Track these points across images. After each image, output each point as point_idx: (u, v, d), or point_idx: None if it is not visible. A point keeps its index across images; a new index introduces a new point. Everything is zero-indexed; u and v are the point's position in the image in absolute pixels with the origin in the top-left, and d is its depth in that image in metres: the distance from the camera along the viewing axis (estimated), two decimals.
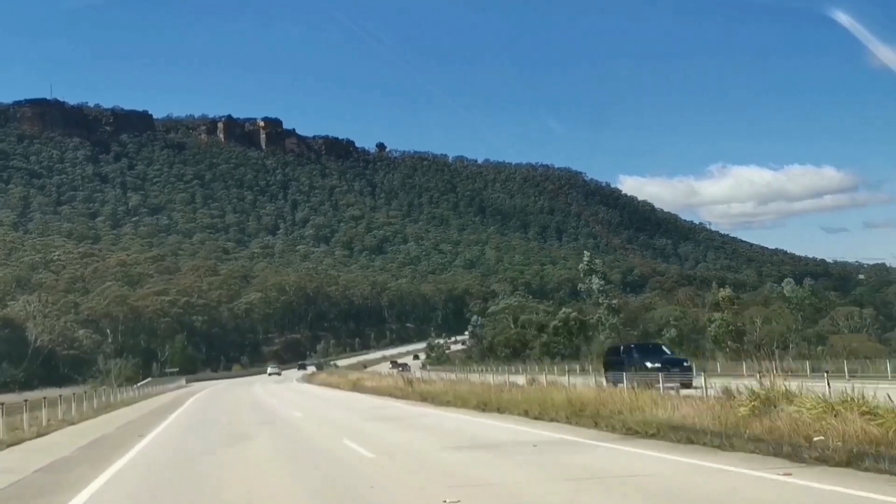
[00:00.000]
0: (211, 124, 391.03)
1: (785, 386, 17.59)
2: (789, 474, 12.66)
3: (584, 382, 33.57)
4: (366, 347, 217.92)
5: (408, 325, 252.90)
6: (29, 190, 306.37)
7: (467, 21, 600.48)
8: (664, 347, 45.69)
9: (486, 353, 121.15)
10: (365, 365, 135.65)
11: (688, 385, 28.74)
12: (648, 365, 36.05)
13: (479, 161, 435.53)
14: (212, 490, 13.77)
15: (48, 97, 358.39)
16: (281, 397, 53.58)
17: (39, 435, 26.78)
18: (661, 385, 25.39)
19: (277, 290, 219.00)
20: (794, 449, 14.48)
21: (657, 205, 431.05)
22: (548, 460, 15.95)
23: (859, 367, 48.95)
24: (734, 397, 19.26)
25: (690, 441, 17.31)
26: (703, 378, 25.33)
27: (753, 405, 17.40)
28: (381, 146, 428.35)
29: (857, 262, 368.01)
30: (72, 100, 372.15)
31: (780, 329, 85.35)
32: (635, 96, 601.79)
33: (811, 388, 17.53)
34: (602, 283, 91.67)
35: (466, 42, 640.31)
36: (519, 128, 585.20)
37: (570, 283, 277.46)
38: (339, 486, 13.47)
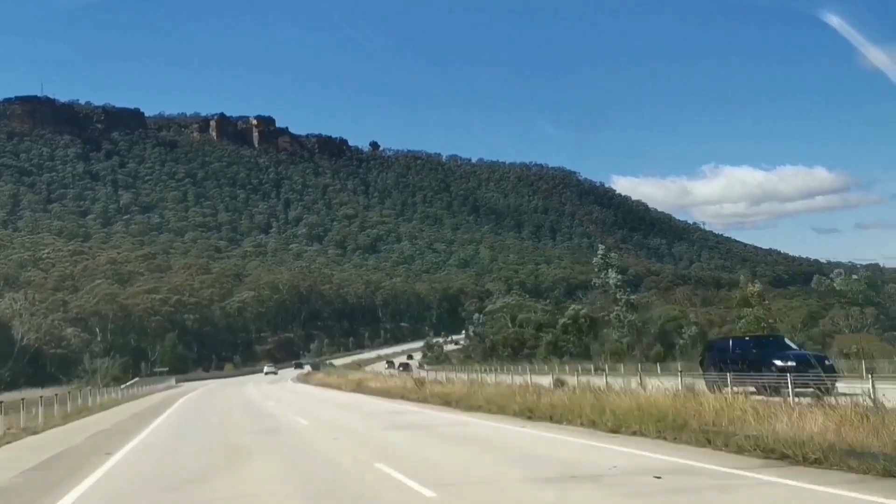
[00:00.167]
0: (203, 122, 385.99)
1: None
2: None
3: (624, 384, 28.15)
4: (360, 347, 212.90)
5: (402, 324, 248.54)
6: (19, 188, 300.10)
7: (461, 20, 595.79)
8: (788, 341, 35.06)
9: (489, 352, 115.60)
10: (360, 364, 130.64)
11: (827, 391, 20.22)
12: (778, 363, 27.27)
13: (473, 160, 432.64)
14: None
15: (39, 94, 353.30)
16: (279, 399, 47.91)
17: None
18: (789, 391, 19.63)
19: (270, 288, 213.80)
20: None
21: (651, 205, 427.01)
22: None
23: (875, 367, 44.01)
24: None
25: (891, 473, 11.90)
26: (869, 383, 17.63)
27: None
28: (374, 145, 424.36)
29: (850, 262, 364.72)
30: (63, 97, 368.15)
31: (783, 328, 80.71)
32: (628, 97, 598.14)
33: None
34: (619, 277, 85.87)
35: (460, 41, 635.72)
36: (512, 127, 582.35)
37: (565, 283, 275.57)
38: None
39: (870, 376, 20.47)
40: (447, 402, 34.26)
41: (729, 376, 23.17)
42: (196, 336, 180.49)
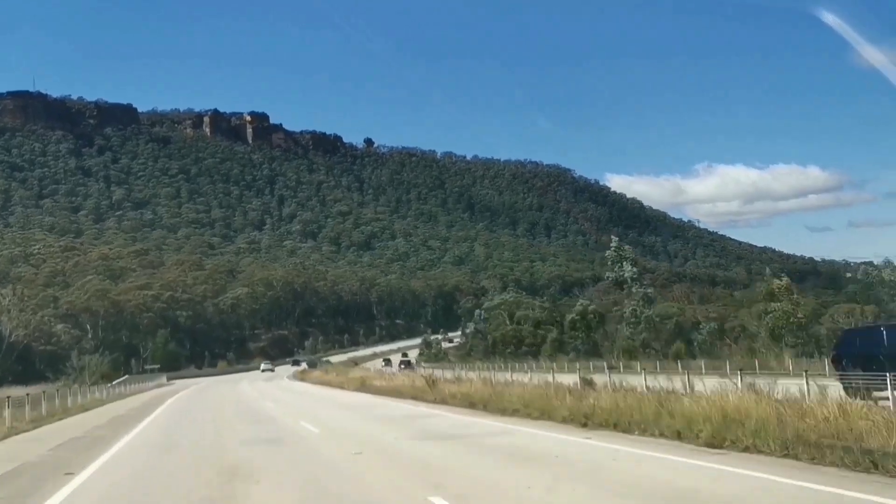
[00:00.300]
0: (197, 118, 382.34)
1: None
2: None
3: (665, 385, 23.82)
4: (355, 344, 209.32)
5: (397, 321, 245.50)
6: (10, 183, 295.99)
7: (456, 17, 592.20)
8: None
9: (491, 349, 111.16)
10: (356, 362, 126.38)
11: None
12: None
13: (468, 157, 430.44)
14: None
15: (31, 89, 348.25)
16: (278, 399, 43.26)
17: None
18: None
19: (264, 285, 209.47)
20: None
21: (645, 203, 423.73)
22: None
23: None
24: None
25: None
26: None
27: None
28: (368, 141, 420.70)
29: (844, 260, 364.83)
30: (55, 92, 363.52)
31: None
32: (622, 95, 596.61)
33: None
34: (634, 270, 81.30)
35: (455, 38, 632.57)
36: (507, 124, 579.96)
37: (561, 280, 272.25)
38: None
39: None
40: (471, 403, 29.81)
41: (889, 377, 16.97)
42: (189, 333, 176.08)
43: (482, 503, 10.68)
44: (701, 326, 74.80)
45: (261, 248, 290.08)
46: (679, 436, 16.98)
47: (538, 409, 24.36)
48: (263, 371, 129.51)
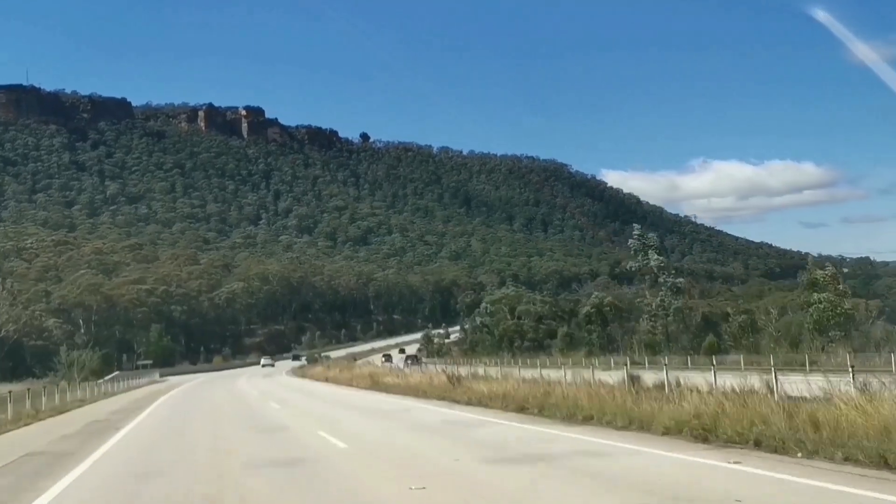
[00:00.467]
0: (191, 112, 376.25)
1: None
2: None
3: (742, 384, 18.78)
4: (352, 339, 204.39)
5: (395, 316, 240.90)
6: (3, 178, 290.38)
7: (452, 12, 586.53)
8: None
9: (498, 344, 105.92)
10: (355, 357, 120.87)
11: None
12: None
13: (464, 152, 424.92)
14: None
15: (24, 83, 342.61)
16: (284, 400, 37.36)
17: None
18: None
19: (260, 279, 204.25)
20: None
21: (642, 198, 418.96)
22: None
23: None
24: None
25: None
26: None
27: None
28: (364, 136, 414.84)
29: (840, 255, 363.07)
30: (48, 86, 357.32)
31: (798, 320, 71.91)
32: (617, 90, 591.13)
33: None
34: (661, 259, 75.53)
35: (451, 33, 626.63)
36: (503, 119, 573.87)
37: (559, 275, 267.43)
38: None
39: None
40: (521, 407, 24.38)
41: None
42: (183, 328, 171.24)
43: None
44: (730, 319, 69.52)
45: (256, 242, 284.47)
46: (885, 462, 11.57)
47: (622, 416, 18.89)
48: (263, 366, 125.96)
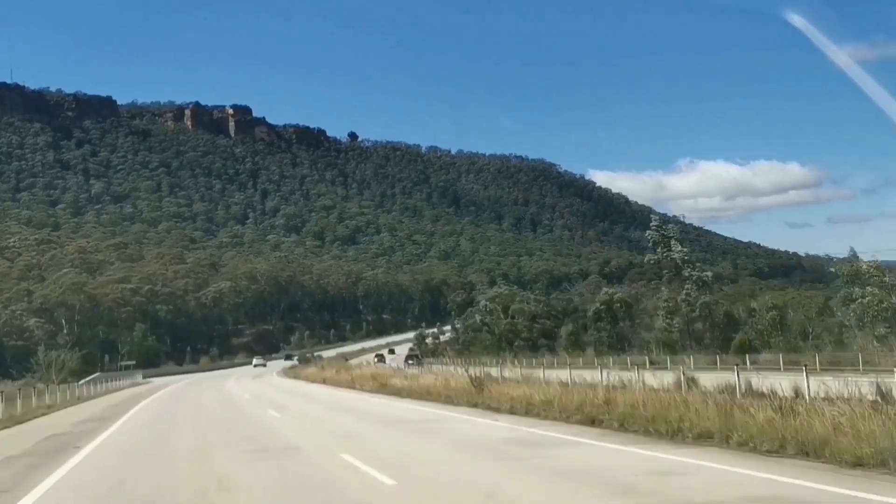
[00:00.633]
0: (178, 111, 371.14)
1: None
2: None
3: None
4: (342, 339, 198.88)
5: (384, 316, 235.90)
6: None
7: (441, 13, 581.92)
8: None
9: (498, 343, 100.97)
10: (346, 357, 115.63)
11: None
12: None
13: (453, 152, 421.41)
14: None
15: (7, 81, 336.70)
16: (283, 407, 31.39)
17: None
18: None
19: (248, 278, 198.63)
20: None
21: (630, 198, 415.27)
22: None
23: None
24: None
25: None
26: None
27: None
28: (352, 135, 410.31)
29: (826, 255, 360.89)
30: (33, 84, 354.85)
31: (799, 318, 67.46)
32: (603, 91, 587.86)
33: None
34: (685, 250, 70.31)
35: (439, 33, 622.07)
36: (492, 119, 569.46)
37: (549, 275, 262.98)
38: None
39: None
40: (592, 419, 19.29)
41: None
42: (169, 328, 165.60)
43: None
44: (754, 314, 64.56)
45: (244, 242, 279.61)
46: None
47: (768, 437, 13.75)
48: (255, 366, 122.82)
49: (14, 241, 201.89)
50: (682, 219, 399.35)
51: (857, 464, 11.41)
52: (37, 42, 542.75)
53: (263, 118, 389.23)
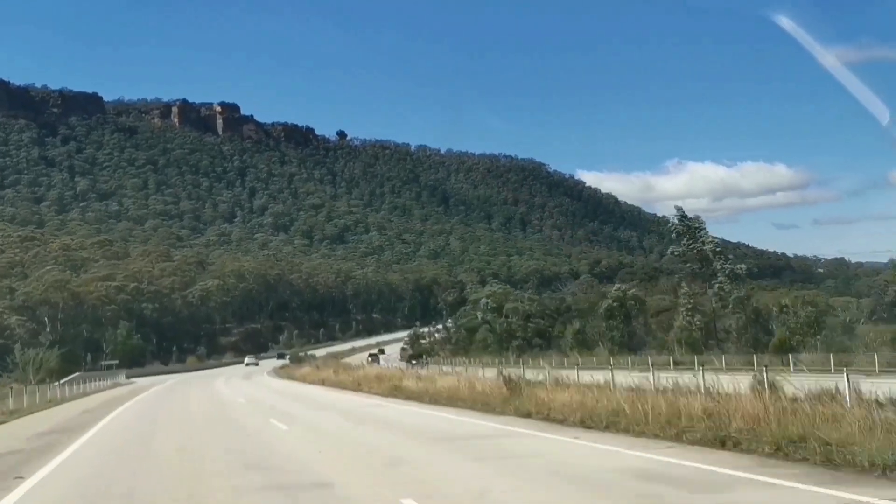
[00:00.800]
0: (165, 108, 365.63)
1: None
2: None
3: None
4: (331, 339, 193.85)
5: (374, 315, 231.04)
6: None
7: (430, 10, 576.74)
8: None
9: (499, 342, 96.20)
10: (337, 357, 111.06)
11: None
12: None
13: (442, 151, 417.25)
14: None
15: None
16: (287, 416, 25.17)
17: None
18: None
19: (236, 276, 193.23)
20: None
21: (620, 198, 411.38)
22: None
23: None
24: None
25: None
26: None
27: None
28: (341, 134, 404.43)
29: (814, 256, 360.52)
30: (17, 80, 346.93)
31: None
32: (591, 91, 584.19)
33: None
34: (715, 241, 64.84)
35: (429, 31, 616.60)
36: (481, 118, 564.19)
37: (539, 274, 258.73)
38: None
39: None
40: (718, 439, 14.31)
41: None
42: (155, 327, 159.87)
43: None
44: (786, 311, 59.51)
45: (231, 240, 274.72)
46: None
47: None
48: (248, 365, 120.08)
49: None
50: (672, 219, 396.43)
51: None
52: (22, 37, 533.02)
53: (251, 116, 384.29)
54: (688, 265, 66.96)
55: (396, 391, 34.32)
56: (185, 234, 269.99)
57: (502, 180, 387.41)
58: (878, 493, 9.18)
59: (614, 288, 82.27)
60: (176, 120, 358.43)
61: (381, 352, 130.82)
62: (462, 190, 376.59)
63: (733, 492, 9.82)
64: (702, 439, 14.42)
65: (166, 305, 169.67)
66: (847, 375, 18.10)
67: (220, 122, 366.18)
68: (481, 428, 19.09)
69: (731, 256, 62.78)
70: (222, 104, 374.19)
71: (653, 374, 24.93)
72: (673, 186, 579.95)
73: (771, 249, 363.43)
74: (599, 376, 26.80)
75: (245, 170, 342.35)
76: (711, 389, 20.36)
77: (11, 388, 44.05)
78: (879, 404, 15.37)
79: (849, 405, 15.71)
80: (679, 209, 66.17)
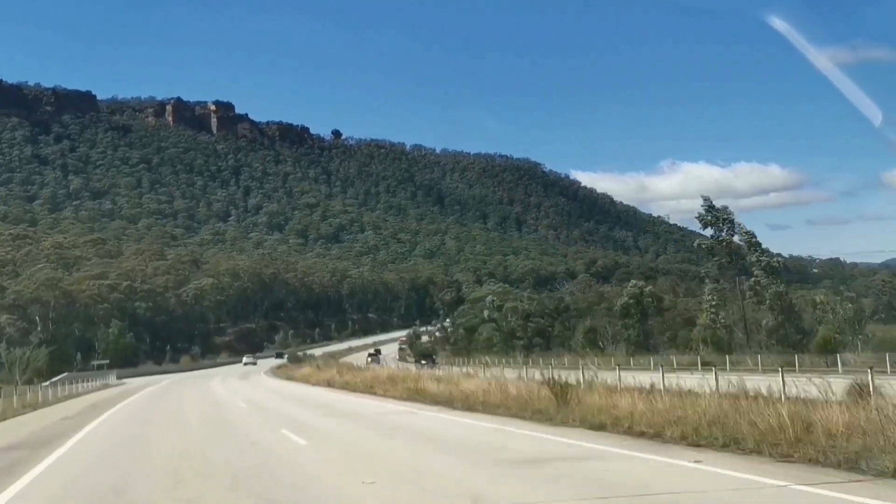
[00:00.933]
0: (159, 107, 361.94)
1: None
2: None
3: None
4: (327, 338, 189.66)
5: (369, 315, 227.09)
6: None
7: (425, 9, 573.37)
8: None
9: (505, 341, 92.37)
10: (334, 357, 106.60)
11: None
12: None
13: (437, 150, 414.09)
14: None
15: None
16: (304, 428, 19.87)
17: None
18: None
19: (230, 275, 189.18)
20: None
21: (615, 198, 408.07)
22: None
23: None
24: None
25: None
26: None
27: None
28: (336, 133, 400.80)
29: (809, 256, 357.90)
30: (10, 78, 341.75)
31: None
32: (585, 91, 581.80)
33: None
34: (751, 232, 60.34)
35: (425, 30, 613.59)
36: (476, 118, 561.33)
37: (535, 274, 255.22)
38: None
39: None
40: (847, 458, 10.40)
41: None
42: (148, 326, 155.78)
43: None
44: (821, 309, 55.45)
45: (226, 239, 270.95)
46: None
47: None
48: (246, 364, 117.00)
49: None
50: (666, 219, 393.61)
51: None
52: (15, 35, 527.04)
53: (246, 115, 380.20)
54: (715, 258, 62.71)
55: (418, 395, 30.19)
56: (179, 233, 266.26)
57: (498, 180, 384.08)
58: None
59: (630, 284, 78.12)
60: (170, 118, 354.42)
61: (378, 352, 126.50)
62: (457, 189, 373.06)
63: None
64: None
65: (160, 304, 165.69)
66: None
67: (214, 120, 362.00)
68: (554, 445, 15.06)
69: (766, 248, 58.07)
70: (217, 103, 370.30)
71: (716, 377, 21.02)
72: (667, 187, 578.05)
73: (766, 249, 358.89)
74: (640, 379, 22.81)
75: (239, 169, 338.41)
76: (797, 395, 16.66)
77: None
78: None
79: None
80: (706, 199, 61.46)
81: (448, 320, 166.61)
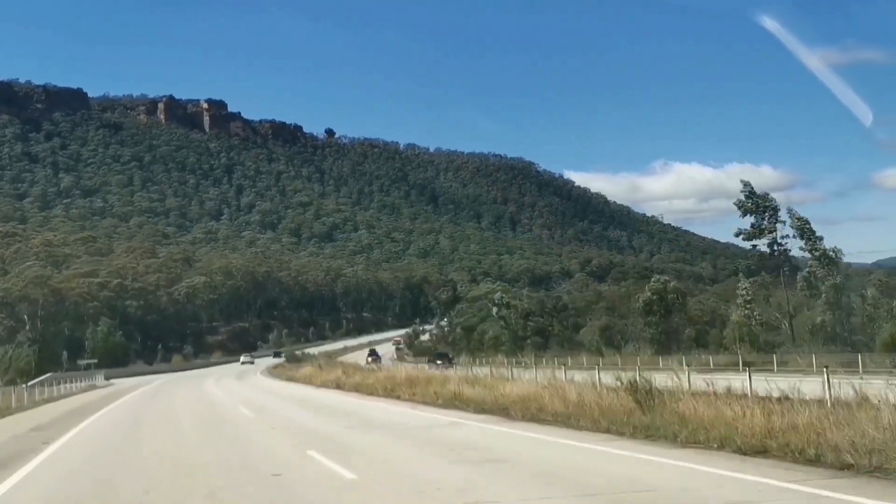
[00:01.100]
0: (151, 104, 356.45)
1: None
2: None
3: None
4: (321, 338, 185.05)
5: (364, 314, 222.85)
6: None
7: (419, 9, 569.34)
8: None
9: (513, 340, 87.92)
10: (330, 355, 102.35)
11: None
12: None
13: (431, 149, 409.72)
14: None
15: None
16: (334, 443, 15.19)
17: None
18: None
19: (223, 273, 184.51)
20: None
21: (609, 198, 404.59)
22: None
23: None
24: None
25: None
26: None
27: None
28: (329, 132, 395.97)
29: (802, 256, 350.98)
30: (1, 75, 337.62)
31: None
32: (579, 92, 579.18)
33: None
34: (803, 218, 54.41)
35: (418, 30, 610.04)
36: (470, 117, 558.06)
37: (530, 273, 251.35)
38: None
39: None
40: None
41: None
42: (139, 324, 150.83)
43: None
44: (871, 304, 50.86)
45: (218, 238, 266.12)
46: None
47: None
48: (243, 364, 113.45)
49: None
50: (660, 219, 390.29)
51: None
52: (5, 32, 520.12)
53: (239, 113, 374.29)
54: (756, 248, 57.72)
55: (458, 401, 25.22)
56: (171, 232, 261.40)
57: (491, 179, 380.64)
58: None
59: (653, 280, 73.16)
60: (162, 116, 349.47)
61: (373, 352, 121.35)
62: (451, 189, 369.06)
63: None
64: None
65: (151, 303, 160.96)
66: None
67: (206, 118, 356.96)
68: (684, 474, 10.23)
69: (821, 236, 52.65)
70: (209, 101, 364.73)
71: (828, 381, 16.47)
72: (660, 187, 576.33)
73: (760, 250, 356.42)
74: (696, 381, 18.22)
75: (232, 167, 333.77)
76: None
77: None
78: None
79: None
80: (746, 184, 56.24)
81: (445, 319, 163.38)
